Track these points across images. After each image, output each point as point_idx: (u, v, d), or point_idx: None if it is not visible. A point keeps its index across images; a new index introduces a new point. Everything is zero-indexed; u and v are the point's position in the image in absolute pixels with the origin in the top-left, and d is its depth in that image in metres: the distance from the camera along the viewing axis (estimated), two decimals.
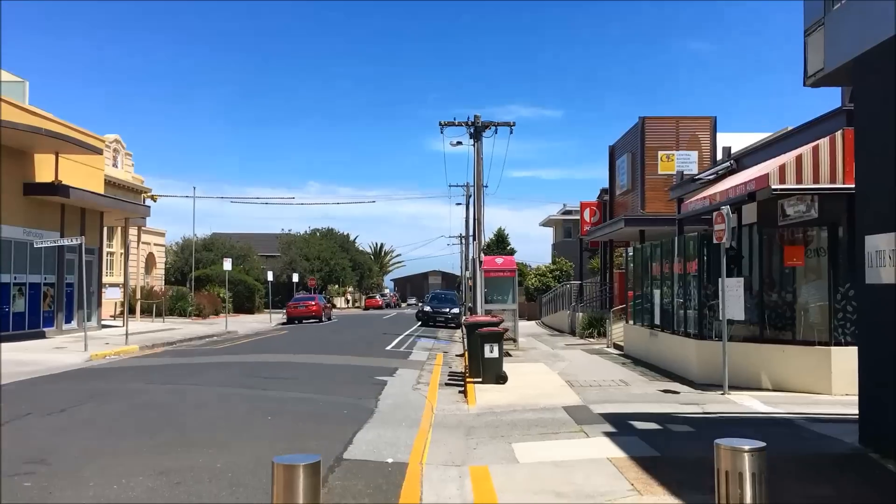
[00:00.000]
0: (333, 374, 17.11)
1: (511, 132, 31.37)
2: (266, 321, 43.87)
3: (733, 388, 13.12)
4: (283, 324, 42.95)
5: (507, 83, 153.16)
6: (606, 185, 34.85)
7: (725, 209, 13.03)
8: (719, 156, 25.05)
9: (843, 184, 12.93)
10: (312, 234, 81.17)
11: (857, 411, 9.13)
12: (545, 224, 76.34)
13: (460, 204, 55.74)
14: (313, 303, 44.96)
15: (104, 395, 13.17)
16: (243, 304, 54.66)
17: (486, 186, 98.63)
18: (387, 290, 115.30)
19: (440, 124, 31.07)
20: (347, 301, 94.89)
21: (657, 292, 18.06)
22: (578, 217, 39.29)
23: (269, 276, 45.47)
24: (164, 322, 37.96)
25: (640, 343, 19.40)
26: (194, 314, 43.83)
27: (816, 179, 13.03)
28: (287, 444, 9.05)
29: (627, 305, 21.93)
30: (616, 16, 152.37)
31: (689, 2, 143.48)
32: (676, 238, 16.83)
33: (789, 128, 16.63)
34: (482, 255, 25.33)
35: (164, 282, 53.20)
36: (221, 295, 51.39)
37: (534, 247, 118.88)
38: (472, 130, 30.80)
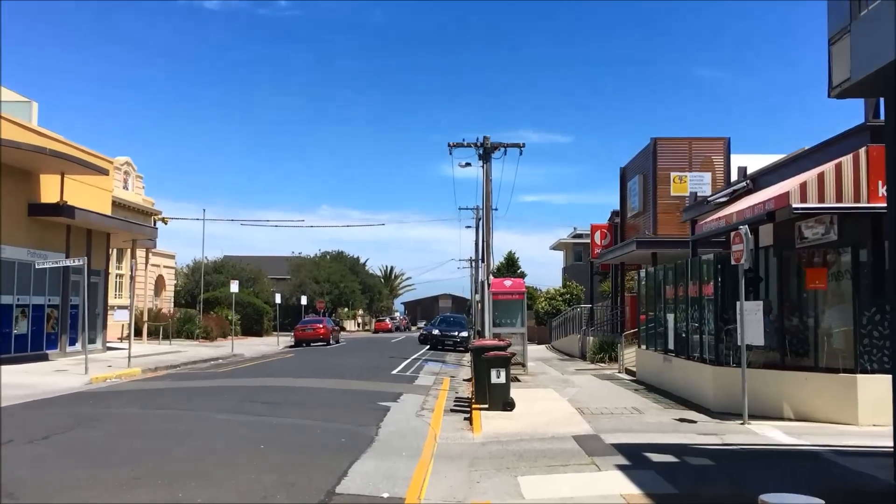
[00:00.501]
0: (335, 399, 16.52)
1: (521, 153, 30.88)
2: (273, 344, 43.35)
3: (753, 417, 12.46)
4: (291, 347, 42.42)
5: (516, 109, 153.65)
6: (617, 208, 34.26)
7: (744, 229, 12.45)
8: (734, 177, 24.47)
9: (868, 203, 12.34)
10: (322, 257, 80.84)
11: (889, 444, 8.49)
12: (555, 247, 75.74)
13: (470, 227, 55.10)
14: (321, 325, 44.43)
15: (93, 420, 12.64)
16: (252, 327, 54.18)
17: (496, 209, 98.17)
18: (397, 314, 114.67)
19: (449, 146, 30.64)
20: (358, 324, 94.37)
21: (671, 316, 17.43)
22: (588, 240, 38.67)
23: (277, 299, 45.00)
24: (171, 344, 37.49)
25: (653, 369, 18.74)
26: (201, 336, 43.36)
27: (840, 198, 12.44)
28: (277, 477, 8.48)
29: (639, 330, 21.29)
30: (624, 39, 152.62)
31: (694, 22, 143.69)
32: (691, 260, 16.24)
33: (807, 147, 16.07)
34: (490, 277, 24.76)
35: (173, 304, 52.86)
36: (230, 317, 51.02)
37: (544, 271, 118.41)
38: (480, 152, 30.35)
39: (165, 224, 62.13)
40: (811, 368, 12.86)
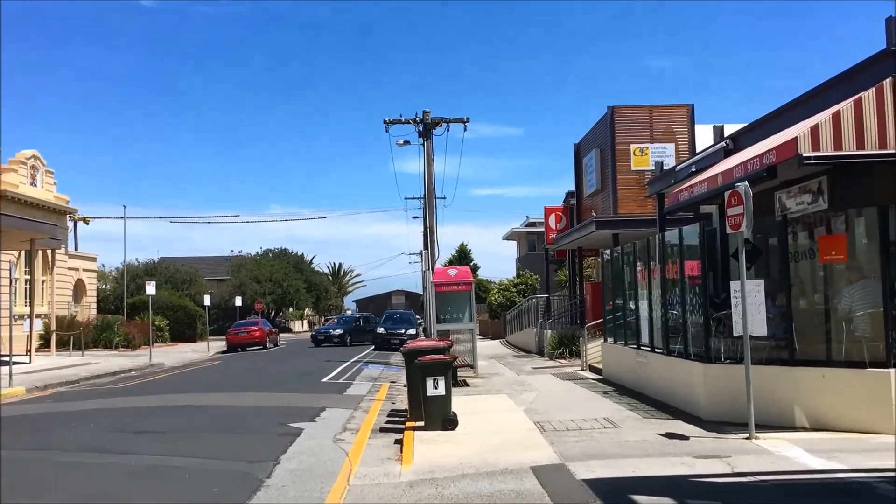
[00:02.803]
0: (238, 421, 13.37)
1: (465, 129, 28.17)
2: (204, 350, 39.71)
3: (759, 427, 9.69)
4: (223, 353, 38.93)
5: (468, 103, 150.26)
6: (573, 188, 31.55)
7: (743, 186, 9.65)
8: (700, 147, 21.89)
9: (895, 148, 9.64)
10: (264, 256, 76.83)
11: None
12: (508, 237, 73.09)
13: (417, 217, 51.85)
14: (256, 328, 41.01)
15: None
16: (184, 332, 50.34)
17: (444, 198, 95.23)
18: (349, 312, 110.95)
19: (385, 122, 27.69)
20: (309, 324, 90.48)
21: (644, 304, 14.63)
22: (543, 229, 35.88)
23: (207, 301, 41.39)
24: (84, 355, 33.65)
25: (623, 366, 15.93)
26: (122, 345, 39.53)
27: (861, 144, 9.71)
28: None
29: (604, 320, 18.51)
30: (573, 29, 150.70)
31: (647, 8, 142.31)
32: (668, 234, 13.45)
33: (809, 90, 13.34)
34: (433, 266, 21.75)
35: (96, 310, 48.80)
36: (157, 323, 47.18)
37: (500, 264, 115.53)
38: (420, 128, 27.40)
39: (87, 224, 58.14)
40: (829, 363, 10.13)
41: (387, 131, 27.77)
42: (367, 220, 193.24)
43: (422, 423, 11.38)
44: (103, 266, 60.01)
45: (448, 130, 27.74)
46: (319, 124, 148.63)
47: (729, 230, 9.97)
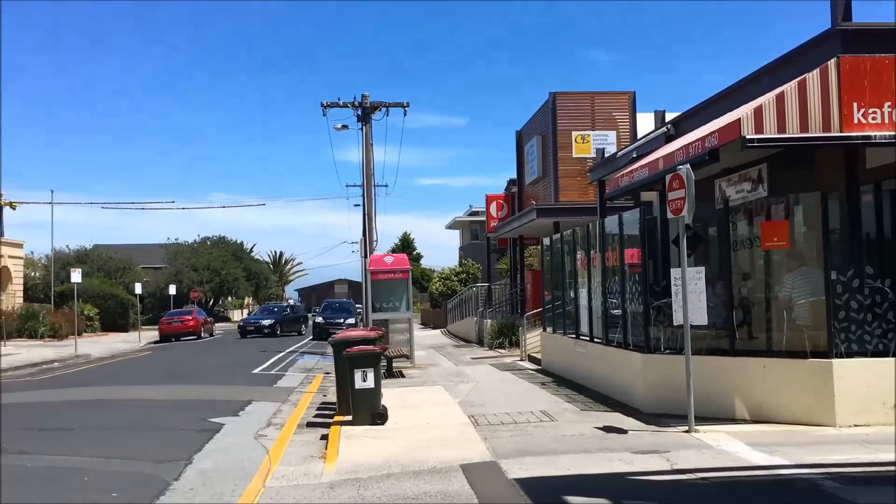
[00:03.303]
0: (155, 416, 12.57)
1: (405, 114, 27.60)
2: (135, 340, 38.29)
3: (700, 419, 9.33)
4: (156, 343, 37.62)
5: (414, 93, 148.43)
6: (515, 176, 31.14)
7: (685, 169, 9.24)
8: (641, 135, 21.64)
9: (842, 131, 9.32)
10: (202, 244, 74.87)
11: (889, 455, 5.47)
12: (451, 227, 72.66)
13: (359, 205, 51.07)
14: (190, 318, 39.74)
15: None
16: (115, 322, 48.61)
17: (386, 186, 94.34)
18: (291, 300, 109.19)
19: (322, 105, 26.89)
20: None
21: (583, 292, 14.23)
22: (485, 218, 35.45)
23: (138, 289, 39.98)
24: (5, 346, 32.05)
25: (562, 356, 15.55)
26: (48, 335, 37.89)
27: (805, 127, 9.37)
28: None
29: (543, 310, 18.12)
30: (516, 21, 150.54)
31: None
32: (607, 220, 13.05)
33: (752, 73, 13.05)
34: (371, 254, 21.08)
35: (23, 299, 46.77)
36: (87, 312, 45.44)
37: (444, 254, 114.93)
38: (359, 112, 26.67)
39: (13, 209, 55.65)
40: (770, 353, 9.84)
41: (324, 115, 27.00)
42: (310, 209, 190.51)
43: (350, 418, 10.79)
44: (32, 253, 57.68)
45: (388, 115, 27.18)
46: (260, 111, 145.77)
47: (670, 215, 9.58)
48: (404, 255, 20.32)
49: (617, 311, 12.26)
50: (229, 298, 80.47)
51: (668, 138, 14.69)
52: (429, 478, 7.58)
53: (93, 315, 45.89)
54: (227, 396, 14.76)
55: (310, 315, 45.40)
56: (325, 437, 10.26)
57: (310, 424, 11.56)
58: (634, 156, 16.08)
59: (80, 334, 41.99)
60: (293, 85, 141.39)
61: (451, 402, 12.56)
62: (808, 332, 9.58)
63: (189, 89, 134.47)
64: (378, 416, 10.60)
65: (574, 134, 24.68)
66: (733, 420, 9.74)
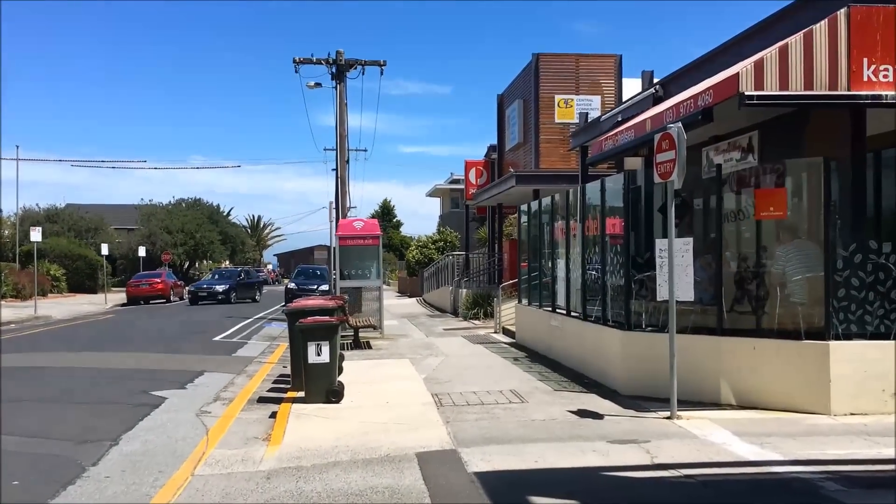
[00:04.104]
0: (94, 387, 11.60)
1: (382, 73, 26.31)
2: (101, 302, 37.13)
3: (682, 404, 8.51)
4: (123, 305, 36.52)
5: (397, 58, 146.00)
6: (495, 142, 30.11)
7: (675, 128, 8.31)
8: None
9: (850, 90, 8.42)
10: (177, 206, 73.31)
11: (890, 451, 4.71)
12: (432, 194, 71.55)
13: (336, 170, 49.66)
14: (159, 280, 38.62)
15: None
16: (83, 283, 47.30)
17: (365, 150, 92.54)
18: (269, 266, 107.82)
19: (295, 62, 25.60)
20: None
21: (560, 263, 13.35)
22: (465, 184, 34.42)
23: (104, 250, 38.75)
24: None
25: (537, 330, 14.71)
26: (10, 295, 36.61)
27: (809, 83, 8.45)
28: None
29: (519, 281, 17.25)
30: None
31: None
32: (588, 186, 12.12)
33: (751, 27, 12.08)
34: (341, 218, 20.05)
35: None
36: (53, 272, 44.17)
37: (425, 223, 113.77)
38: (333, 70, 25.43)
39: None
40: (760, 333, 9.01)
41: (296, 72, 25.67)
42: (290, 175, 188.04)
43: (303, 394, 9.90)
44: (0, 211, 56.11)
45: (363, 73, 25.92)
46: (239, 72, 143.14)
47: (657, 179, 8.66)
48: (375, 221, 19.31)
49: (596, 285, 11.40)
50: (205, 262, 79.11)
51: (657, 100, 13.77)
52: (379, 469, 6.70)
53: (59, 276, 44.61)
54: (178, 366, 13.82)
55: (286, 280, 44.20)
56: (274, 415, 9.37)
57: (262, 400, 10.66)
58: (619, 119, 15.15)
59: (45, 295, 40.87)
60: (271, 47, 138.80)
61: (416, 378, 11.69)
62: (802, 311, 8.76)
63: (164, 52, 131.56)
64: (333, 394, 9.71)
65: (557, 98, 23.69)
66: (718, 405, 8.93)
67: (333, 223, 19.10)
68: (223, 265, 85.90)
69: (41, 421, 9.18)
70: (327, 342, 9.70)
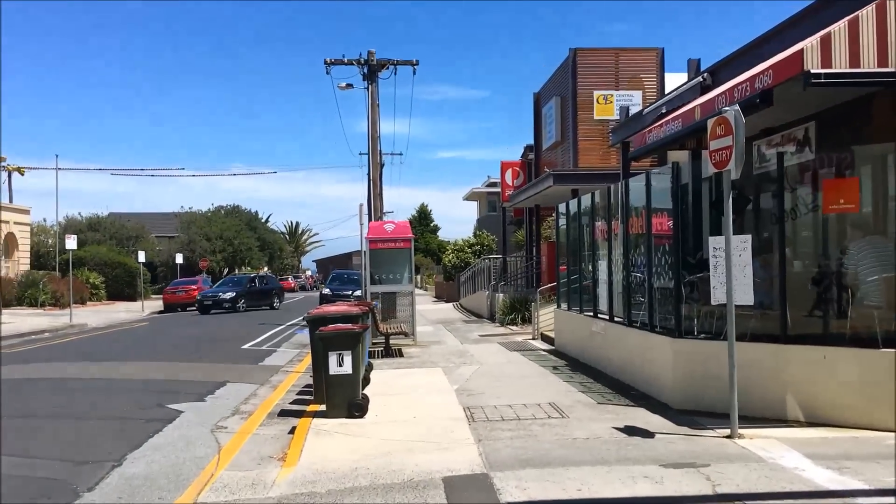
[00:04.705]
0: (107, 400, 11.00)
1: (414, 72, 25.55)
2: (138, 310, 37.02)
3: (743, 419, 7.58)
4: (160, 312, 36.33)
5: (433, 64, 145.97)
6: (532, 142, 29.21)
7: (732, 111, 7.41)
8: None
9: None
10: (216, 212, 73.60)
11: None
12: (469, 198, 70.76)
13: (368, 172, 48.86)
14: (195, 288, 38.37)
15: None
16: (123, 291, 47.38)
17: (401, 154, 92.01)
18: (308, 272, 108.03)
19: (326, 63, 25.04)
20: None
21: (602, 264, 12.46)
22: (500, 185, 33.53)
23: (141, 257, 38.57)
24: (1, 314, 30.84)
25: (577, 337, 13.82)
26: (49, 303, 36.67)
27: (884, 60, 7.50)
28: None
29: (558, 284, 16.36)
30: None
31: None
32: (632, 182, 11.23)
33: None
34: (373, 221, 19.35)
35: (30, 266, 45.69)
36: (92, 280, 44.30)
37: (462, 227, 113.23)
38: (365, 71, 24.80)
39: (22, 174, 54.58)
40: (831, 340, 8.04)
41: (328, 73, 25.16)
42: (328, 182, 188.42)
43: (324, 407, 9.17)
44: (45, 220, 56.74)
45: (395, 73, 25.25)
46: (279, 83, 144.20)
47: (711, 169, 7.77)
48: (406, 223, 18.54)
49: (641, 288, 10.50)
50: (244, 269, 79.31)
51: (704, 89, 12.81)
52: (401, 496, 5.93)
53: (98, 283, 44.74)
54: (201, 376, 13.20)
55: (322, 286, 43.42)
56: (293, 431, 8.65)
57: (283, 413, 9.95)
58: (664, 111, 14.22)
59: (84, 303, 40.96)
60: (306, 54, 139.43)
61: (447, 389, 10.89)
62: (879, 315, 7.78)
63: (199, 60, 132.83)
64: (356, 408, 8.96)
65: (596, 94, 22.73)
66: (783, 421, 7.98)
67: (364, 226, 18.35)
68: (261, 271, 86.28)
69: (47, 439, 8.58)
70: (349, 352, 8.96)
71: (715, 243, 8.05)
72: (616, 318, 11.58)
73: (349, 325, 9.22)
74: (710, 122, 7.76)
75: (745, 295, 7.69)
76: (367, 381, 11.03)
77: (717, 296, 8.02)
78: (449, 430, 8.18)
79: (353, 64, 24.87)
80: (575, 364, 13.00)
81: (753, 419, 7.89)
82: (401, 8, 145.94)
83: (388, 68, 24.97)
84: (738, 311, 7.83)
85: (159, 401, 10.68)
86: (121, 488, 6.57)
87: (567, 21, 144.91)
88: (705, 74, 12.97)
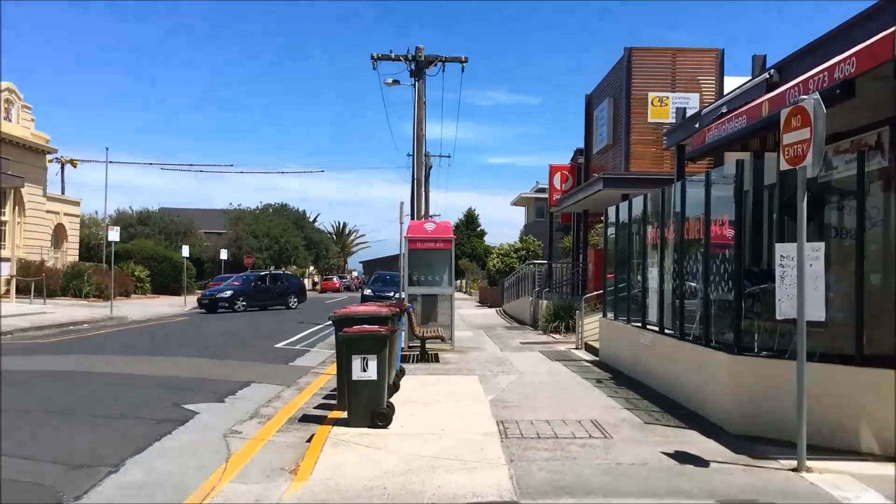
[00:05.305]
0: (123, 397, 10.48)
1: (463, 70, 24.97)
2: (180, 305, 36.97)
3: (811, 449, 6.67)
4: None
5: (486, 69, 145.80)
6: (582, 146, 28.29)
7: (811, 100, 6.54)
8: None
9: None
10: (264, 210, 73.96)
11: None
12: (516, 203, 69.93)
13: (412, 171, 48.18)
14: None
15: None
16: (168, 285, 47.58)
17: (449, 157, 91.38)
18: (354, 273, 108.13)
19: (373, 58, 24.49)
20: (314, 284, 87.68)
21: (653, 272, 11.58)
22: (548, 189, 32.61)
23: (185, 252, 38.53)
24: (45, 304, 31.02)
25: (623, 348, 12.94)
26: (93, 295, 36.84)
27: None
28: None
29: (605, 292, 15.48)
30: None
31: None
32: (688, 182, 10.35)
33: None
34: (407, 220, 18.71)
35: (79, 257, 46.22)
36: (137, 273, 44.56)
37: (510, 233, 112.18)
38: (412, 67, 24.23)
39: (74, 167, 55.49)
40: None
41: (374, 69, 24.62)
42: (378, 183, 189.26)
43: (346, 415, 8.50)
44: (97, 213, 57.60)
45: (443, 70, 24.64)
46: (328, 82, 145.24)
47: (783, 165, 6.88)
48: (448, 223, 17.80)
49: (695, 298, 9.62)
50: (292, 267, 79.55)
51: (770, 87, 11.84)
52: None
53: (143, 276, 45.00)
54: (225, 375, 12.67)
55: (365, 287, 42.78)
56: (312, 439, 7.99)
57: (304, 419, 9.32)
58: (724, 111, 13.26)
59: (128, 295, 41.16)
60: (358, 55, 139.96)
61: (481, 399, 10.13)
62: None
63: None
64: (379, 417, 8.27)
65: (651, 95, 21.77)
66: (857, 454, 7.06)
67: (403, 225, 17.70)
68: (307, 270, 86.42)
69: (48, 437, 8.06)
70: (375, 356, 8.28)
71: (783, 251, 7.19)
72: (667, 330, 10.70)
73: (376, 328, 8.54)
74: (783, 113, 6.89)
75: (816, 309, 6.82)
76: (396, 387, 10.35)
77: (784, 309, 7.15)
78: (479, 447, 7.43)
79: (400, 59, 24.33)
80: (620, 377, 12.13)
81: (821, 449, 6.98)
82: (450, 11, 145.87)
83: (435, 65, 24.37)
84: (807, 327, 6.94)
85: (176, 400, 10.13)
86: (111, 499, 5.97)
87: (618, 26, 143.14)
88: (772, 71, 12.01)
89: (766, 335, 8.34)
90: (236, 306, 32.93)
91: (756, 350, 8.32)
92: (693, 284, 9.89)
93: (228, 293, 33.53)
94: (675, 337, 10.22)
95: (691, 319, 9.88)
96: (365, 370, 8.27)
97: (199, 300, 34.13)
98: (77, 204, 48.48)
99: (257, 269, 58.03)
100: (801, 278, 6.64)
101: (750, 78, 13.52)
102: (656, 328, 11.11)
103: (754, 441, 7.53)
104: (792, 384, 6.82)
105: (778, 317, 7.37)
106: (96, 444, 7.69)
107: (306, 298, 38.57)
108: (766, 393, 7.75)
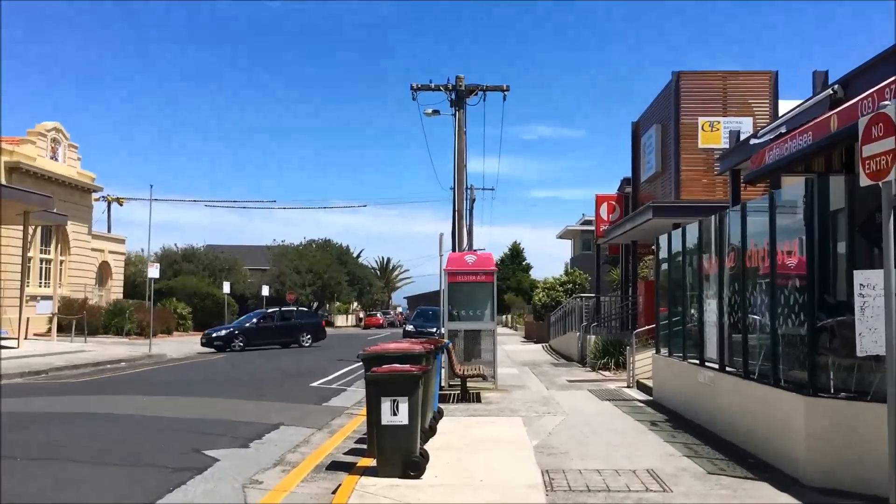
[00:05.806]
0: (141, 443, 9.83)
1: (505, 98, 24.36)
2: None
3: None
4: None
5: (529, 103, 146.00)
6: (629, 175, 27.46)
7: (893, 107, 5.71)
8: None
9: None
10: (307, 246, 74.08)
11: None
12: (562, 236, 69.00)
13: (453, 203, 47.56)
14: None
15: None
16: (210, 321, 47.44)
17: (492, 189, 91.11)
18: (398, 309, 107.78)
19: (412, 88, 24.09)
20: (357, 319, 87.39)
21: (711, 304, 10.67)
22: (595, 220, 31.74)
23: (226, 288, 38.46)
24: (86, 342, 30.93)
25: (679, 387, 12.00)
26: (135, 332, 36.80)
27: None
28: None
29: (657, 326, 14.56)
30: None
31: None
32: (749, 204, 9.48)
33: None
34: (447, 252, 18.00)
35: (130, 295, 46.48)
36: (180, 310, 44.57)
37: (556, 266, 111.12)
38: (452, 97, 23.77)
39: (121, 205, 56.31)
40: None
41: (414, 99, 24.21)
42: (422, 218, 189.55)
43: (375, 463, 7.76)
44: (142, 251, 58.15)
45: (484, 100, 24.13)
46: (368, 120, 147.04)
47: (864, 181, 6.04)
48: (489, 255, 17.05)
49: (761, 332, 8.71)
50: (336, 303, 79.31)
51: (834, 103, 10.98)
52: None
53: (185, 313, 44.99)
54: (254, 416, 12.02)
55: (407, 323, 42.01)
56: (336, 491, 7.27)
57: (332, 466, 8.59)
58: (783, 131, 12.39)
59: (170, 332, 41.12)
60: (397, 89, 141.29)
61: (525, 445, 9.31)
62: None
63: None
64: (411, 466, 7.51)
65: (701, 121, 20.94)
66: None
67: (443, 257, 17.02)
68: (351, 306, 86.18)
69: (48, 486, 7.44)
70: (406, 398, 7.56)
71: (863, 279, 6.33)
72: (728, 368, 9.77)
73: (407, 367, 7.82)
74: (861, 123, 6.07)
75: None
76: (432, 431, 9.61)
77: (865, 345, 6.29)
78: (521, 501, 6.62)
79: (440, 89, 23.89)
80: (677, 419, 11.19)
81: None
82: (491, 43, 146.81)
83: (476, 94, 23.88)
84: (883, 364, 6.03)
85: (197, 445, 9.48)
86: None
87: (664, 53, 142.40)
88: (835, 87, 11.15)
89: (844, 373, 7.41)
90: (233, 345, 31.03)
91: (832, 391, 7.39)
92: (757, 317, 8.99)
93: (224, 332, 31.83)
94: (737, 375, 9.30)
95: (754, 356, 8.96)
96: (395, 414, 7.55)
97: (202, 339, 32.26)
98: (122, 241, 48.95)
99: (299, 305, 57.98)
100: (890, 309, 5.76)
101: (810, 96, 12.65)
102: (716, 365, 10.18)
103: (837, 496, 6.60)
104: (878, 430, 5.92)
105: (858, 353, 6.49)
106: (99, 496, 7.06)
107: (325, 336, 35.89)
108: (848, 441, 6.82)
